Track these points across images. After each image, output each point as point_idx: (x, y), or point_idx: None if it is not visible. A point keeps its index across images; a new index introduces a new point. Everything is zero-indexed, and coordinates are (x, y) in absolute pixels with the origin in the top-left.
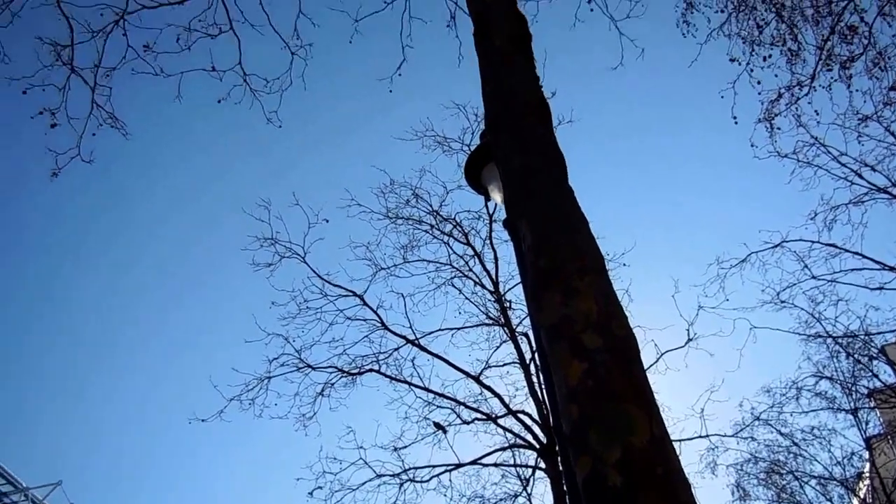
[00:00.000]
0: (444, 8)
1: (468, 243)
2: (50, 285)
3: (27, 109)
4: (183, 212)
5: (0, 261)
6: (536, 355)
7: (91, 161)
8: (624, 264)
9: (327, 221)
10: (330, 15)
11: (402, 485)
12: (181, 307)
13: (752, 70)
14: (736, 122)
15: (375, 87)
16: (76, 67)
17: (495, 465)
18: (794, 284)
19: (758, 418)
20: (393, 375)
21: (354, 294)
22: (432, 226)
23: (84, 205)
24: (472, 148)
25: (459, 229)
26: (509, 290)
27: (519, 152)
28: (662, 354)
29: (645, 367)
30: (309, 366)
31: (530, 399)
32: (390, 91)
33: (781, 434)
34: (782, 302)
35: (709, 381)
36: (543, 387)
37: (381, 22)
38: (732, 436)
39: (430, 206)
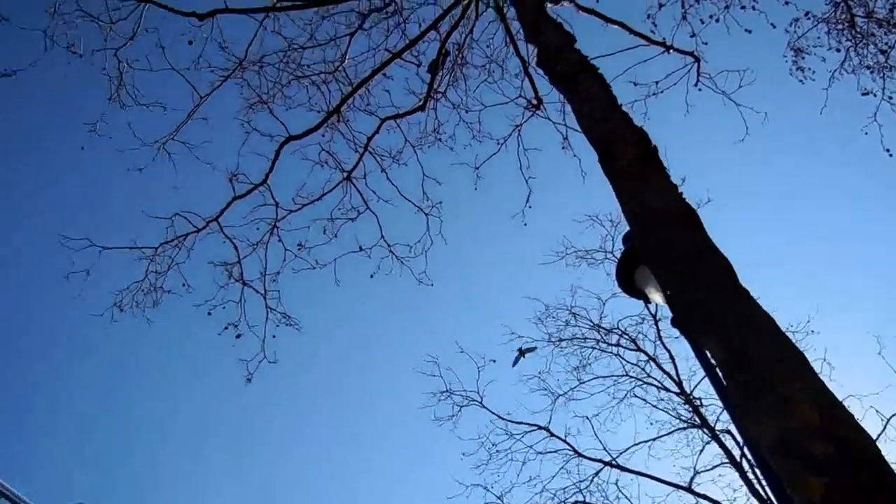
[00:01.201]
0: (556, 133)
1: (639, 349)
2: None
3: (213, 327)
4: (353, 383)
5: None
6: (748, 455)
7: (275, 361)
8: (812, 331)
9: (494, 361)
10: (451, 170)
11: None
12: (372, 472)
13: (891, 97)
14: (891, 155)
15: (510, 223)
16: (246, 280)
17: None
18: None
19: None
20: None
21: (539, 427)
22: (598, 340)
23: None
24: (616, 254)
25: (626, 337)
26: (695, 386)
27: (679, 266)
28: (888, 420)
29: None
30: None
31: (753, 499)
32: (525, 224)
33: None
34: None
35: None
36: (767, 488)
37: (500, 161)
38: None
39: (591, 321)
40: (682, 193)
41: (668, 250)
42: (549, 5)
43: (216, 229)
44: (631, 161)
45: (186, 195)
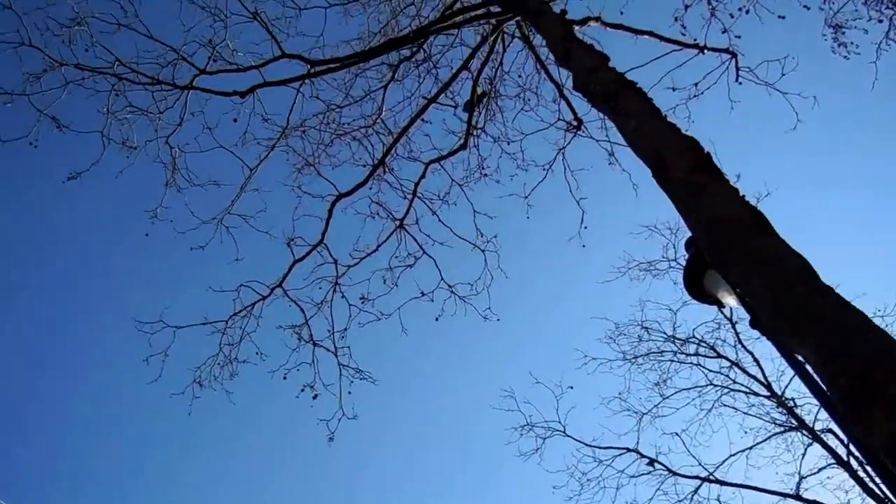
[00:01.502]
0: (600, 150)
1: (720, 356)
2: None
3: (291, 390)
4: (434, 430)
5: None
6: (858, 455)
7: (355, 417)
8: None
9: (572, 388)
10: (501, 202)
11: None
12: None
13: None
14: None
15: (566, 246)
16: (316, 341)
17: None
18: None
19: None
20: None
21: (628, 450)
22: (675, 352)
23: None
24: (680, 261)
25: (705, 345)
26: (786, 387)
27: (755, 271)
28: None
29: None
30: None
31: (868, 499)
32: (583, 246)
33: None
34: None
35: None
36: (883, 486)
37: (548, 187)
38: None
39: (665, 333)
40: (744, 196)
41: (741, 257)
42: (575, 28)
43: (281, 294)
44: (686, 172)
45: (249, 265)
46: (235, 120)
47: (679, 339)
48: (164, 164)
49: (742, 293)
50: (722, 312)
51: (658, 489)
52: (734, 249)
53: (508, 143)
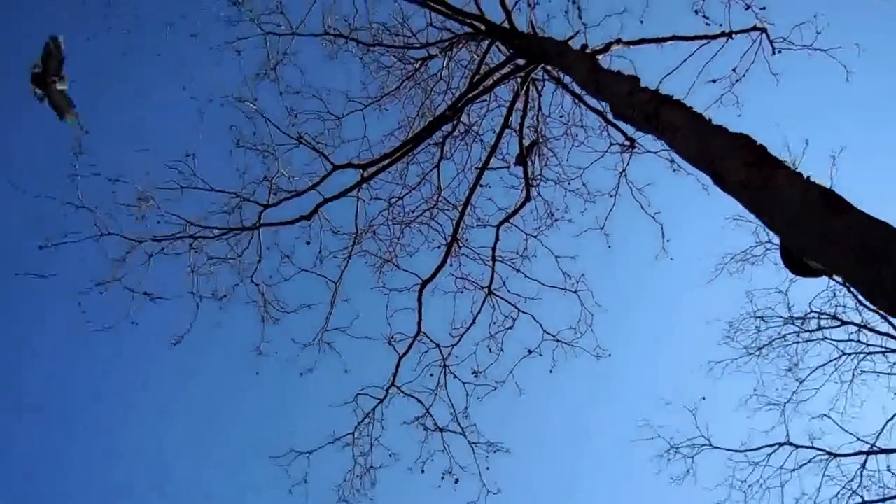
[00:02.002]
0: (661, 160)
1: (844, 322)
2: None
3: (431, 481)
4: (583, 486)
5: None
6: None
7: (499, 491)
8: None
9: (704, 398)
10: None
11: None
12: None
13: None
14: None
15: (656, 264)
16: (442, 427)
17: None
18: None
19: None
20: None
21: (780, 444)
22: (798, 332)
23: None
24: (774, 241)
25: (826, 316)
26: None
27: (841, 255)
28: None
29: None
30: None
31: None
32: (671, 259)
33: None
34: None
35: None
36: None
37: (621, 211)
38: None
39: (781, 317)
40: (809, 178)
41: (823, 244)
42: (599, 58)
43: (396, 393)
44: (744, 174)
45: (358, 374)
46: (308, 243)
47: (797, 319)
48: (255, 302)
49: (841, 273)
50: (833, 279)
51: (824, 474)
52: (814, 238)
53: (569, 182)
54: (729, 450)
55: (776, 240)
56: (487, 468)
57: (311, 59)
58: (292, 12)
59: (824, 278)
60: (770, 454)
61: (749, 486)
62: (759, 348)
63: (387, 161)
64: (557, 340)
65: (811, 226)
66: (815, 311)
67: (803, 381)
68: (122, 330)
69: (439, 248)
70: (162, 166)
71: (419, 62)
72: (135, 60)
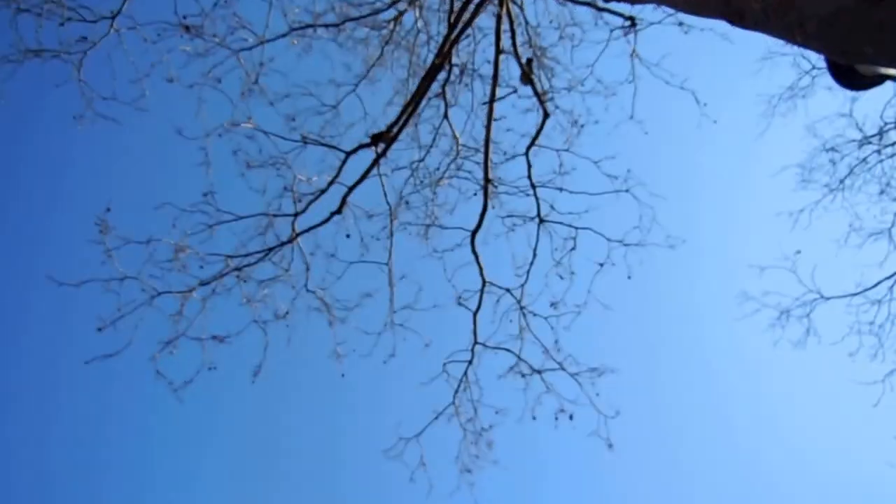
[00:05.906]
0: (670, 28)
1: None
2: None
3: (546, 425)
4: None
5: None
6: None
7: (617, 413)
8: None
9: (800, 252)
10: (613, 138)
11: None
12: None
13: None
14: None
15: (699, 132)
16: (537, 369)
17: None
18: None
19: None
20: None
21: None
22: (878, 150)
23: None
24: (818, 62)
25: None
26: None
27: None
28: None
29: None
30: None
31: None
32: (714, 122)
33: None
34: None
35: None
36: None
37: (646, 95)
38: None
39: (854, 140)
40: None
41: (870, 40)
42: None
43: (481, 350)
44: (763, 3)
45: (438, 345)
46: (348, 235)
47: (873, 136)
48: (316, 309)
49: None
50: (893, 79)
51: None
52: (858, 38)
53: (582, 84)
54: (845, 296)
55: (821, 63)
56: (597, 394)
57: (288, 59)
58: (254, 22)
59: (887, 83)
60: (892, 286)
61: (879, 327)
62: (841, 180)
63: (395, 130)
64: (625, 244)
65: (853, 25)
66: (890, 122)
67: None
68: (202, 379)
69: (475, 195)
70: (185, 213)
71: (392, 22)
72: (129, 123)
